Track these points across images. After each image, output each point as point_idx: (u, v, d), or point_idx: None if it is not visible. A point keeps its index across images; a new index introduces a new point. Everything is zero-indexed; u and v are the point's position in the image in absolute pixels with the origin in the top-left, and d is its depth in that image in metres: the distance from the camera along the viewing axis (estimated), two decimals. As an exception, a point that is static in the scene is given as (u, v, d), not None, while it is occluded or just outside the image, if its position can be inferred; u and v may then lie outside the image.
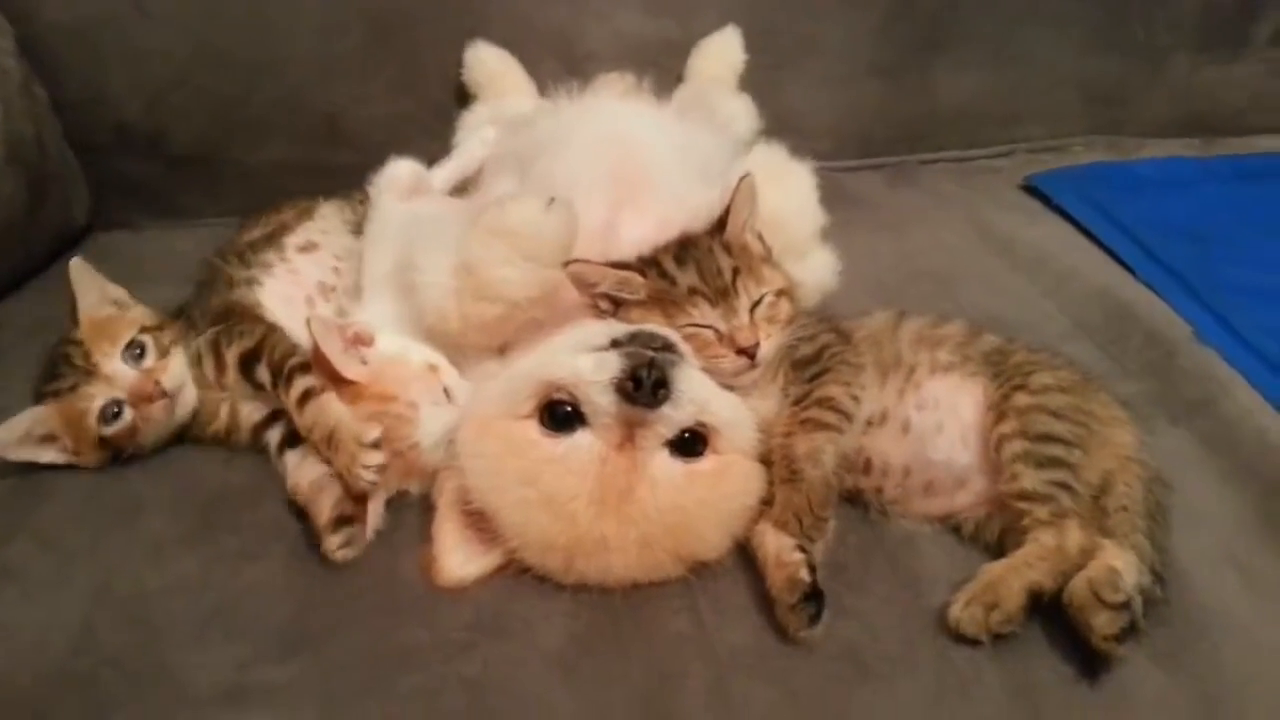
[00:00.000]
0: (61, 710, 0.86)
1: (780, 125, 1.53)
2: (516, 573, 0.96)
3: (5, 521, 1.05)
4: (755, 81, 1.68)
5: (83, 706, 0.86)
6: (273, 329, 1.15)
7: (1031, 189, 1.68)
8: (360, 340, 1.08)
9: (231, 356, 1.11)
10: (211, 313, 1.17)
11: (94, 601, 0.96)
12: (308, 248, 1.31)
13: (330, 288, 1.28)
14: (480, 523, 0.96)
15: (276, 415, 1.12)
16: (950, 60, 1.79)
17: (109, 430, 1.07)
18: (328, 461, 1.02)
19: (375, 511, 1.02)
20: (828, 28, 1.73)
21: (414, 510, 1.05)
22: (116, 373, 1.08)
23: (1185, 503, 1.00)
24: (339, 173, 1.50)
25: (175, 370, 1.11)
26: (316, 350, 1.05)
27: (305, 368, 1.06)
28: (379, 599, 0.96)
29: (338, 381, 1.05)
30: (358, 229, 1.37)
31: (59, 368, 1.09)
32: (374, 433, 1.00)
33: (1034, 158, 1.82)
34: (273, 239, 1.30)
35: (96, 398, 1.07)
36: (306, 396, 1.04)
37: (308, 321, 1.06)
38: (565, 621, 0.93)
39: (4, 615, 0.95)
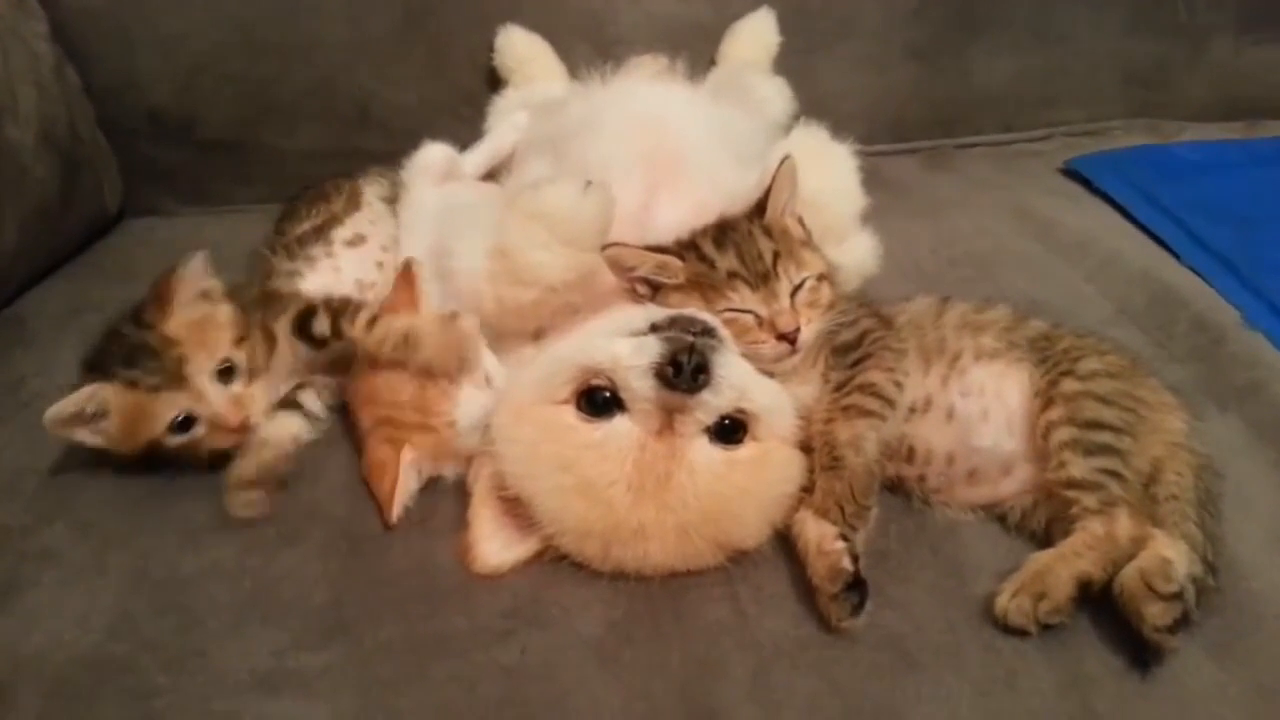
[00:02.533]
0: (99, 694, 0.86)
1: (814, 108, 1.50)
2: (553, 560, 0.95)
3: (44, 507, 1.05)
4: (789, 64, 1.66)
5: (120, 691, 0.86)
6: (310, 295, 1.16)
7: (1071, 173, 1.64)
8: None
9: (284, 324, 1.11)
10: (253, 301, 1.16)
11: (131, 587, 0.96)
12: (355, 241, 1.30)
13: (370, 284, 1.27)
14: (516, 509, 0.95)
15: None
16: (987, 42, 1.76)
17: (172, 440, 1.04)
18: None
19: (405, 489, 1.02)
20: (863, 9, 1.71)
21: (449, 497, 1.04)
22: (206, 391, 1.04)
23: (1235, 490, 0.97)
24: (369, 158, 1.51)
25: (261, 402, 1.09)
26: (403, 284, 1.08)
27: (366, 305, 1.09)
28: (415, 585, 0.95)
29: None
30: (394, 200, 1.38)
31: (143, 359, 1.03)
32: (448, 308, 1.03)
33: (1072, 141, 1.78)
34: (321, 232, 1.29)
35: (176, 408, 1.03)
36: (373, 321, 1.05)
37: (407, 263, 1.10)
38: (603, 609, 0.91)
39: (42, 598, 0.95)
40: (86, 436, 1.04)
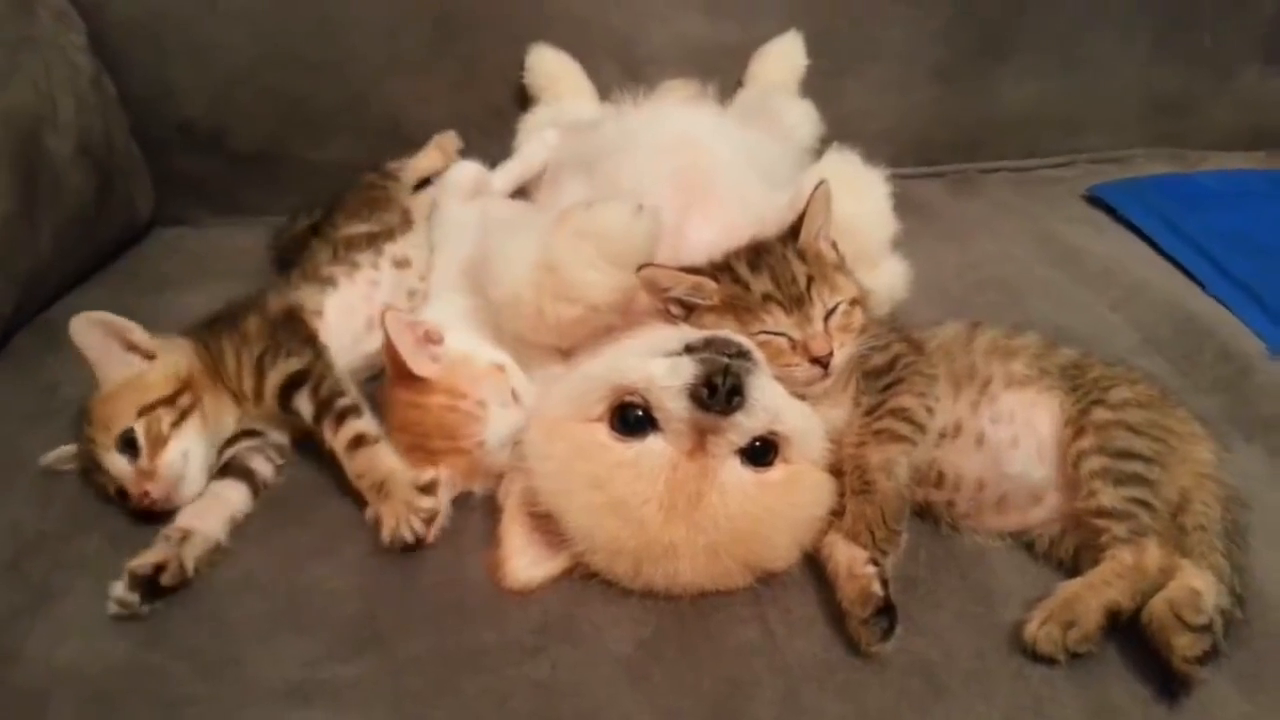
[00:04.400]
0: (133, 701, 0.87)
1: (839, 130, 1.53)
2: (582, 577, 0.95)
3: (77, 518, 1.06)
4: (815, 86, 1.67)
5: (153, 698, 0.87)
6: (321, 354, 1.12)
7: (1094, 200, 1.65)
8: (430, 338, 1.08)
9: (274, 379, 1.08)
10: (269, 317, 1.15)
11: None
12: (403, 263, 1.29)
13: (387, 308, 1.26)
14: (547, 525, 0.96)
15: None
16: (1012, 67, 1.77)
17: (129, 505, 1.04)
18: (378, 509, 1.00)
19: (441, 509, 1.02)
20: (889, 32, 1.71)
21: (478, 512, 1.05)
22: (114, 466, 1.03)
23: (1262, 521, 0.97)
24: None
25: (170, 460, 1.04)
26: (389, 345, 1.04)
27: (357, 410, 1.05)
28: (446, 600, 0.96)
29: (407, 378, 1.05)
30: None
31: (79, 442, 1.07)
32: (429, 474, 0.99)
33: (1095, 168, 1.79)
34: (374, 241, 1.29)
35: (107, 486, 1.04)
36: (359, 442, 1.03)
37: (382, 315, 1.04)
38: (633, 628, 0.92)
39: (76, 606, 0.96)
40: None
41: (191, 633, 0.93)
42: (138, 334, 1.09)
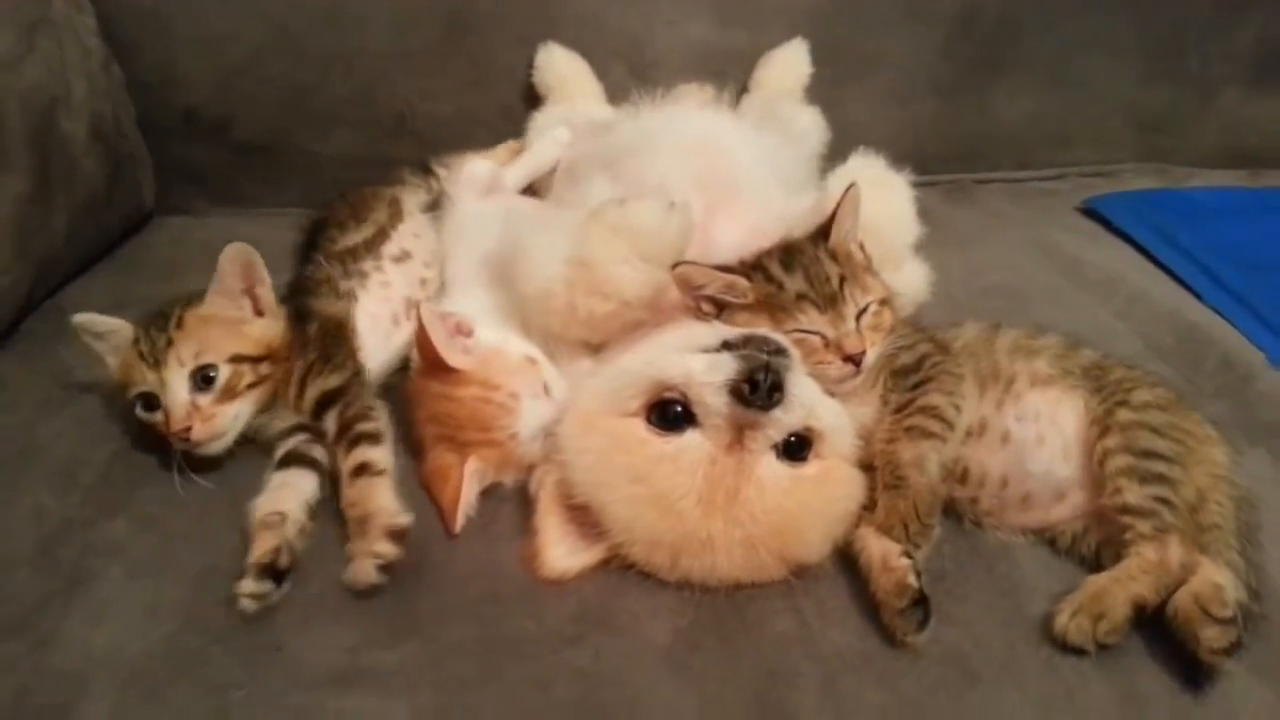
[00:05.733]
0: (174, 685, 0.86)
1: (840, 138, 1.56)
2: (618, 568, 0.96)
3: (105, 502, 1.05)
4: (817, 94, 1.69)
5: (196, 683, 0.87)
6: (358, 373, 1.13)
7: (1088, 211, 1.70)
8: (460, 330, 1.09)
9: (312, 393, 1.09)
10: (321, 323, 1.15)
11: (199, 581, 0.96)
12: (402, 257, 1.30)
13: (415, 302, 1.25)
14: (583, 517, 0.97)
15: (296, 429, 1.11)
16: (1008, 83, 1.82)
17: (139, 412, 1.05)
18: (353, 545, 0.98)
19: (468, 499, 1.03)
20: (891, 45, 1.75)
21: (509, 504, 1.06)
22: (169, 385, 1.04)
23: (1269, 521, 1.01)
24: (403, 167, 1.53)
25: (229, 414, 1.06)
26: (422, 336, 1.04)
27: (375, 438, 1.05)
28: (482, 589, 0.96)
29: (439, 370, 1.05)
30: (431, 208, 1.40)
31: (155, 325, 1.07)
32: (406, 518, 0.98)
33: (1085, 181, 1.85)
34: (372, 246, 1.29)
35: (143, 383, 1.04)
36: (361, 470, 1.02)
37: (417, 308, 1.05)
38: (671, 618, 0.93)
39: (111, 591, 0.95)
40: (104, 350, 1.10)
41: (229, 619, 0.92)
42: (266, 289, 1.13)
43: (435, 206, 1.46)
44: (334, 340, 1.13)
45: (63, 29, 1.42)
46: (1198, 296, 1.42)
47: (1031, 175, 1.88)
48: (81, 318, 1.08)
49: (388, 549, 0.95)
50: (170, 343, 1.05)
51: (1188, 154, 1.91)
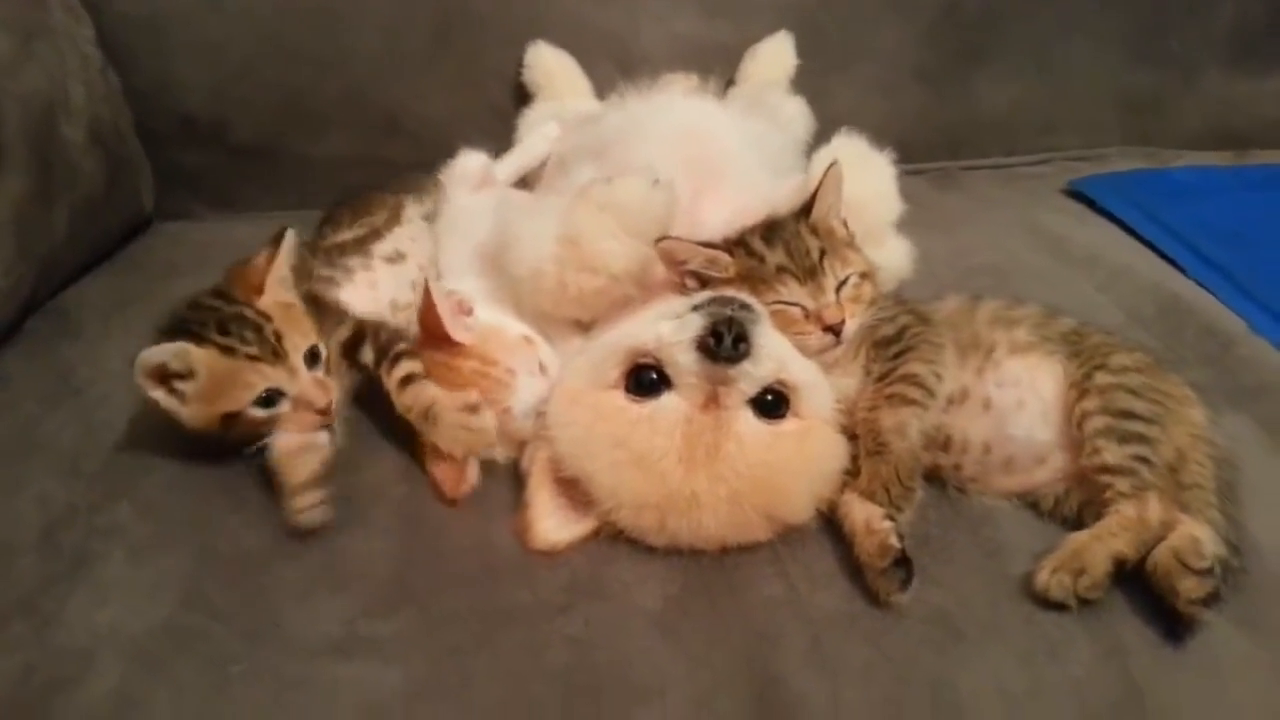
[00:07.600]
0: (177, 660, 0.88)
1: (827, 127, 1.56)
2: (608, 539, 0.99)
3: (107, 488, 1.07)
4: (803, 84, 1.71)
5: (197, 658, 0.89)
6: (359, 318, 1.16)
7: (1074, 194, 1.72)
8: (462, 309, 1.12)
9: (335, 341, 1.12)
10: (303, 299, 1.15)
11: (199, 561, 0.98)
12: (395, 258, 1.30)
13: (404, 305, 1.26)
14: (572, 491, 0.99)
15: None
16: (992, 69, 1.84)
17: (255, 413, 1.03)
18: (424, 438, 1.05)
19: (471, 471, 1.06)
20: (876, 34, 1.78)
21: (501, 479, 1.08)
22: (299, 369, 1.05)
23: (1249, 482, 1.02)
24: (396, 167, 1.53)
25: (337, 393, 1.09)
26: (428, 311, 1.08)
27: (410, 354, 1.09)
28: (476, 561, 0.98)
29: (442, 342, 1.09)
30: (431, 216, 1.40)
31: (240, 329, 1.03)
32: (472, 395, 1.03)
33: (1071, 165, 1.86)
34: (362, 244, 1.30)
35: (270, 381, 1.03)
36: (409, 380, 1.06)
37: (425, 282, 1.09)
38: (660, 585, 0.95)
39: (113, 571, 0.97)
40: (162, 396, 1.01)
41: (228, 595, 0.94)
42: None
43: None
44: (322, 310, 1.15)
45: (61, 38, 1.45)
46: (1181, 271, 1.44)
47: (1018, 161, 1.89)
48: (142, 360, 0.99)
49: (476, 421, 1.03)
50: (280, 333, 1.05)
51: (1173, 136, 1.92)
